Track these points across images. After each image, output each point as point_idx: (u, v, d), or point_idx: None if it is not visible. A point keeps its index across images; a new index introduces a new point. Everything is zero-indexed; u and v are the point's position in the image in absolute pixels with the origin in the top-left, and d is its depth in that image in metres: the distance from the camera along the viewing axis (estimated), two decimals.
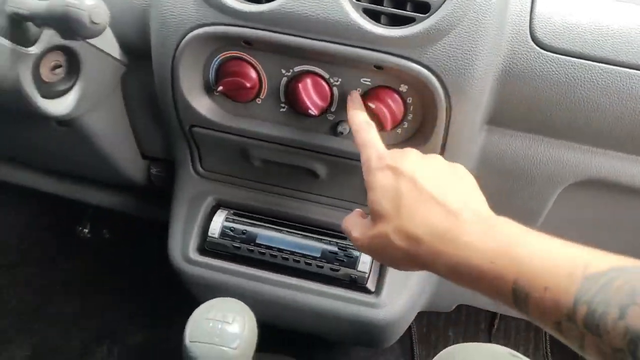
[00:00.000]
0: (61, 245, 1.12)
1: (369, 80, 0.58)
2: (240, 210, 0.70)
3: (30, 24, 0.49)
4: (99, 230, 1.09)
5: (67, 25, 0.43)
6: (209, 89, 0.62)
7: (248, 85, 0.59)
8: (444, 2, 0.52)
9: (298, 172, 0.67)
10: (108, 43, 0.59)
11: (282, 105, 0.61)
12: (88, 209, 1.06)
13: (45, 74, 0.54)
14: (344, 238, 0.68)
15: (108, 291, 1.11)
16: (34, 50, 0.50)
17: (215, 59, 0.60)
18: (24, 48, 0.49)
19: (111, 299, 1.11)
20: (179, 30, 0.57)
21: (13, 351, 1.05)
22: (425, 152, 0.57)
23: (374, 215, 0.46)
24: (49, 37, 0.51)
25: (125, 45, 0.62)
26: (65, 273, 1.11)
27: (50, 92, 0.55)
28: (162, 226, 0.90)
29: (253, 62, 0.59)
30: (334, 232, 0.68)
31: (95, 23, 0.42)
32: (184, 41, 0.57)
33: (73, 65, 0.56)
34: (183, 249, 0.69)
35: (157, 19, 0.58)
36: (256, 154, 0.66)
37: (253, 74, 0.59)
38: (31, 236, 1.15)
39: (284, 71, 0.59)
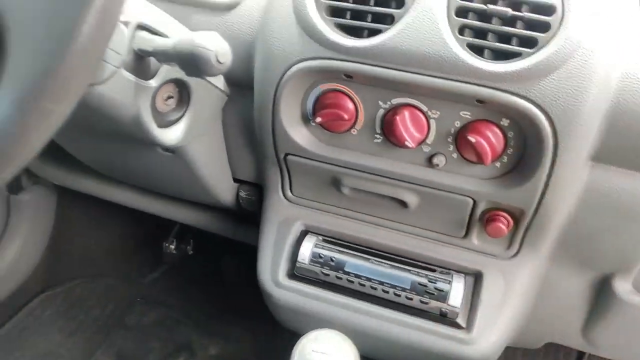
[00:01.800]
0: (145, 260, 1.18)
1: (469, 113, 0.57)
2: (329, 237, 0.71)
3: (152, 59, 0.53)
4: (184, 247, 1.14)
5: (194, 64, 0.46)
6: (306, 119, 0.64)
7: (346, 117, 0.60)
8: (553, 37, 0.51)
9: (388, 201, 0.67)
10: (216, 79, 0.63)
11: (377, 136, 0.62)
12: (174, 226, 1.11)
13: (160, 104, 0.58)
14: (434, 270, 0.67)
15: (187, 305, 1.15)
16: (153, 83, 0.54)
17: (314, 90, 0.61)
18: (144, 81, 0.53)
19: (190, 312, 1.15)
20: (284, 64, 0.59)
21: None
22: (528, 188, 0.56)
23: None
24: (166, 70, 0.55)
25: (229, 77, 0.65)
26: (148, 286, 1.16)
27: (163, 121, 0.59)
28: (244, 246, 0.93)
29: (351, 94, 0.60)
30: (424, 264, 0.68)
31: (220, 63, 0.45)
32: (287, 74, 0.59)
33: (184, 96, 0.60)
34: (273, 272, 0.71)
35: (262, 52, 0.60)
36: (347, 182, 0.67)
37: (350, 106, 0.60)
38: (117, 249, 1.21)
39: (381, 103, 0.60)
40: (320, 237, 0.71)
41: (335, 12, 0.57)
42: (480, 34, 0.53)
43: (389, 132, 0.60)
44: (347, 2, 0.56)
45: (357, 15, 0.56)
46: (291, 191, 0.73)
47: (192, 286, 1.16)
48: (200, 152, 0.69)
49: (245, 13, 0.62)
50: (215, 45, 0.45)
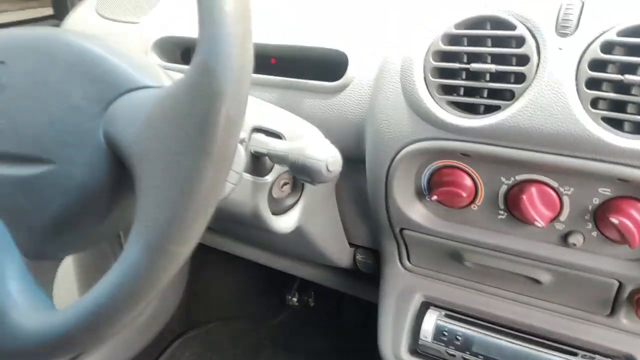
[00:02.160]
0: (270, 308, 1.23)
1: (608, 190, 0.51)
2: (452, 311, 0.68)
3: (266, 158, 0.54)
4: (305, 299, 1.17)
5: (304, 173, 0.46)
6: (421, 195, 0.61)
7: (464, 194, 0.56)
8: None
9: (517, 276, 0.62)
10: None
11: (501, 212, 0.57)
12: (296, 279, 1.14)
13: (276, 192, 0.59)
14: (575, 353, 0.60)
15: (311, 351, 1.17)
16: (269, 178, 0.55)
17: (429, 167, 0.59)
18: (261, 178, 0.55)
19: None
20: (394, 146, 0.57)
21: None
22: None
23: None
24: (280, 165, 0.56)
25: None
26: (275, 330, 1.21)
27: (279, 207, 0.60)
28: (364, 303, 0.92)
29: (469, 171, 0.56)
30: (564, 345, 0.61)
31: (330, 171, 0.45)
32: (398, 156, 0.57)
33: (298, 182, 0.61)
34: (394, 347, 0.69)
35: (372, 133, 0.59)
36: (470, 258, 0.63)
37: (468, 182, 0.57)
38: (245, 296, 1.27)
39: (503, 179, 0.55)
40: (443, 312, 0.68)
41: (447, 88, 0.54)
42: (617, 105, 0.47)
43: (514, 208, 0.55)
44: (460, 79, 0.53)
45: (472, 91, 0.53)
46: (409, 261, 0.70)
47: (315, 334, 1.18)
48: (315, 226, 0.70)
49: (354, 94, 0.62)
50: (325, 155, 0.45)
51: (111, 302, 0.37)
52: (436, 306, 0.69)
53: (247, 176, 0.53)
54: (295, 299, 1.15)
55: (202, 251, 1.21)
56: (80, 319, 0.38)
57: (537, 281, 0.60)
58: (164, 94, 0.37)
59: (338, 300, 1.12)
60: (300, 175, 0.48)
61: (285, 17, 0.71)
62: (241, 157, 0.45)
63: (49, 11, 1.03)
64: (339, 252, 0.80)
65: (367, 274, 0.84)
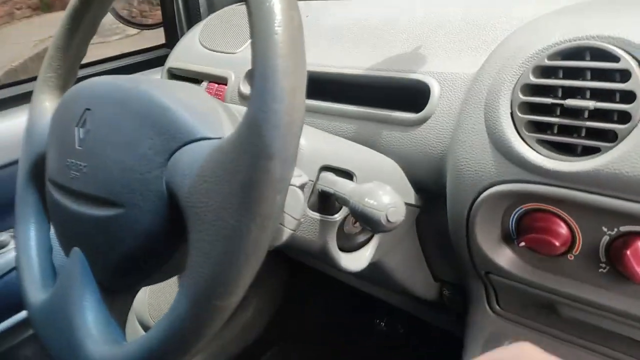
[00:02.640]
0: (359, 331, 1.21)
1: None
2: None
3: None
4: (394, 325, 1.13)
5: (364, 220, 0.44)
6: (509, 239, 0.55)
7: (557, 243, 0.50)
8: None
9: (620, 335, 0.54)
10: (406, 193, 0.60)
11: (602, 265, 0.50)
12: (385, 305, 1.11)
13: (348, 227, 0.57)
14: None
15: None
16: (338, 217, 0.54)
17: (518, 209, 0.53)
18: (330, 217, 0.53)
19: None
20: (476, 187, 0.52)
21: None
22: None
23: None
24: None
25: (420, 188, 0.62)
26: (363, 352, 1.18)
27: (352, 244, 0.58)
28: (454, 336, 0.86)
29: (564, 217, 0.50)
30: None
31: (390, 222, 0.42)
32: (480, 197, 0.52)
33: None
34: None
35: (453, 171, 0.55)
36: (566, 312, 0.55)
37: (563, 230, 0.50)
38: (334, 319, 1.27)
39: (605, 229, 0.48)
40: None
41: (538, 126, 0.49)
42: None
43: (617, 263, 0.48)
44: (554, 115, 0.47)
45: (567, 129, 0.47)
46: (498, 305, 0.64)
47: None
48: (394, 261, 0.67)
49: (435, 127, 0.58)
50: (385, 204, 0.42)
51: (161, 349, 0.38)
52: None
53: (315, 215, 0.52)
54: (383, 324, 1.12)
55: (296, 266, 1.23)
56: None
57: None
58: (217, 148, 0.37)
59: (426, 330, 1.07)
60: (361, 221, 0.46)
61: (366, 43, 0.69)
62: (300, 203, 0.44)
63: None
64: (424, 286, 0.76)
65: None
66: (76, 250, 0.48)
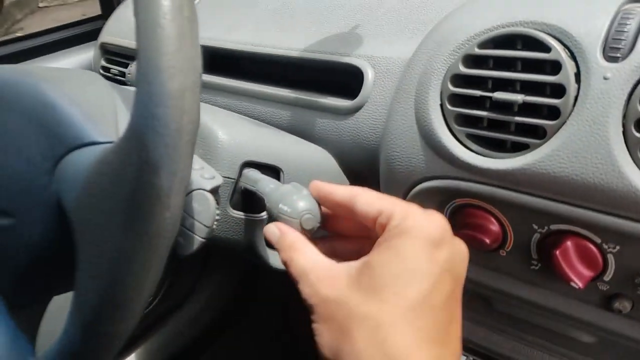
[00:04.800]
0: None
1: None
2: (484, 356, 0.60)
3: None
4: None
5: None
6: None
7: (487, 241, 0.48)
8: None
9: (553, 332, 0.53)
10: (339, 184, 0.57)
11: (534, 262, 0.48)
12: None
13: None
14: None
15: None
16: (265, 215, 0.51)
17: (450, 204, 0.51)
18: (255, 215, 0.50)
19: None
20: (407, 181, 0.50)
21: None
22: None
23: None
24: None
25: (354, 177, 0.59)
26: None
27: None
28: None
29: (496, 213, 0.48)
30: None
31: (305, 229, 0.39)
32: (411, 192, 0.50)
33: None
34: None
35: (385, 164, 0.52)
36: (500, 307, 0.55)
37: (495, 228, 0.48)
38: (288, 305, 1.26)
39: (535, 227, 0.46)
40: (471, 357, 0.60)
41: (467, 119, 0.46)
42: None
43: (548, 261, 0.46)
44: (483, 109, 0.44)
45: (498, 124, 0.44)
46: None
47: None
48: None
49: (368, 117, 0.54)
50: (300, 211, 0.39)
51: None
52: (467, 350, 0.61)
53: (239, 214, 0.49)
54: None
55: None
56: None
57: (579, 340, 0.51)
58: (102, 157, 0.33)
59: None
60: None
61: (303, 20, 0.65)
62: (210, 209, 0.41)
63: None
64: None
65: None
66: None
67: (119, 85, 0.48)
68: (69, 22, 1.00)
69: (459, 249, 0.33)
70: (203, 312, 1.22)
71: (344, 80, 0.58)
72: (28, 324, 0.46)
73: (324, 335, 0.31)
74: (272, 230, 0.38)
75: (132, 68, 0.79)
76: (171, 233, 0.32)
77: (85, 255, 0.33)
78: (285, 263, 0.36)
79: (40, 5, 4.74)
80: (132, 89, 0.49)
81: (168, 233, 0.32)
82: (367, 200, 0.35)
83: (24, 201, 0.38)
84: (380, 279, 0.31)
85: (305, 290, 0.33)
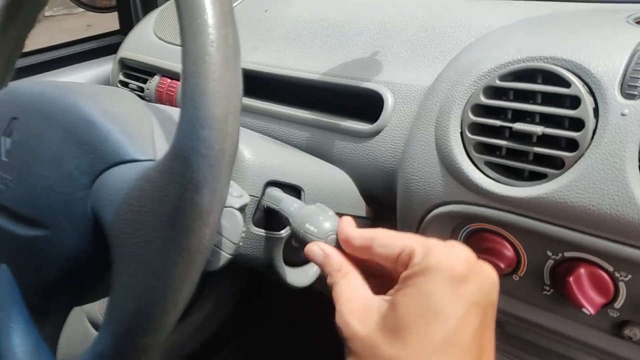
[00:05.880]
0: (316, 326, 1.21)
1: None
2: None
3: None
4: None
5: (303, 246, 0.43)
6: None
7: (502, 265, 0.50)
8: None
9: (563, 356, 0.54)
10: (357, 206, 0.58)
11: (547, 288, 0.50)
12: None
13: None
14: None
15: None
16: (285, 233, 0.52)
17: (466, 228, 0.52)
18: (276, 233, 0.52)
19: None
20: (424, 205, 0.51)
21: None
22: None
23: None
24: None
25: (372, 200, 0.60)
26: (320, 348, 1.19)
27: (300, 257, 0.57)
28: None
29: (511, 239, 0.49)
30: None
31: None
32: (429, 216, 0.51)
33: None
34: None
35: (402, 188, 0.54)
36: (511, 330, 0.56)
37: (509, 252, 0.50)
38: (291, 314, 1.27)
39: (550, 253, 0.48)
40: None
41: (487, 148, 0.48)
42: None
43: (561, 287, 0.48)
44: (503, 138, 0.46)
45: (516, 153, 0.46)
46: None
47: None
48: None
49: (388, 140, 0.56)
50: (326, 231, 0.40)
51: None
52: None
53: (260, 231, 0.50)
54: None
55: None
56: None
57: None
58: (144, 174, 0.34)
59: None
60: (302, 247, 0.44)
61: (323, 44, 0.67)
62: (238, 227, 0.42)
63: None
64: None
65: None
66: (3, 267, 0.45)
67: (152, 104, 0.50)
68: (84, 37, 1.02)
69: (488, 276, 0.32)
70: (207, 321, 1.23)
71: (363, 105, 0.60)
72: (49, 334, 0.46)
73: None
74: (315, 250, 0.39)
75: (150, 84, 0.80)
76: (208, 249, 0.33)
77: (123, 267, 0.34)
78: (330, 285, 0.36)
79: (47, 14, 4.79)
80: (165, 107, 0.51)
81: (206, 249, 0.33)
82: (386, 242, 0.34)
83: (59, 214, 0.39)
84: (404, 319, 0.30)
85: (340, 320, 0.33)
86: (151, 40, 0.86)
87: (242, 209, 0.43)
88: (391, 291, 0.32)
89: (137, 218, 0.34)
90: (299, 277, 0.56)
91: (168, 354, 1.16)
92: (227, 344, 1.29)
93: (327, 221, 0.41)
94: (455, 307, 0.30)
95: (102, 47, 1.00)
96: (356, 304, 0.33)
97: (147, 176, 0.34)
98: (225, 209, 0.42)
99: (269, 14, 0.78)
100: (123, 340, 0.34)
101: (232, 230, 0.42)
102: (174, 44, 0.83)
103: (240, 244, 0.43)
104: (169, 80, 0.78)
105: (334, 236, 0.41)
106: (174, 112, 0.52)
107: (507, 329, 0.56)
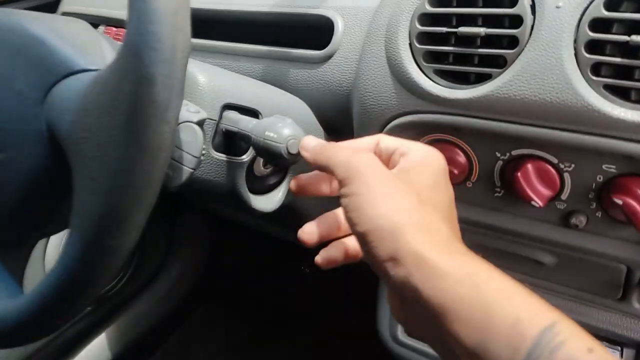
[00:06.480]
0: (286, 280, 1.24)
1: (613, 166, 0.45)
2: None
3: None
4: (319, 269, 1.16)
5: (266, 155, 0.44)
6: None
7: (456, 172, 0.52)
8: None
9: (520, 257, 0.58)
10: (314, 132, 0.59)
11: (498, 189, 0.53)
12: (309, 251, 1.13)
13: (258, 169, 0.57)
14: None
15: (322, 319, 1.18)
16: (246, 158, 0.53)
17: (421, 140, 0.54)
18: (237, 158, 0.52)
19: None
20: (380, 119, 0.53)
21: None
22: None
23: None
24: None
25: (329, 126, 0.62)
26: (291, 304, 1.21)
27: (263, 186, 0.58)
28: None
29: (462, 146, 0.52)
30: None
31: (291, 154, 0.42)
32: (385, 130, 0.53)
33: None
34: (391, 329, 0.66)
35: (358, 106, 0.55)
36: (468, 238, 0.58)
37: (462, 159, 0.52)
38: (261, 271, 1.28)
39: (498, 154, 0.50)
40: None
41: (435, 56, 0.49)
42: (623, 71, 0.41)
43: (510, 185, 0.51)
44: (449, 44, 0.48)
45: (463, 58, 0.48)
46: None
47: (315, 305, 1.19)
48: (308, 202, 0.67)
49: (340, 63, 0.57)
50: (285, 136, 0.41)
51: (56, 296, 0.36)
52: None
53: (221, 156, 0.51)
54: (307, 270, 1.15)
55: (219, 224, 1.22)
56: (29, 310, 0.37)
57: (540, 262, 0.56)
58: (97, 78, 0.34)
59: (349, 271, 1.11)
60: (264, 157, 0.45)
61: None
62: (198, 140, 0.43)
63: None
64: None
65: None
66: None
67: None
68: None
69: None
70: (172, 289, 1.22)
71: (315, 32, 0.60)
72: (14, 266, 0.45)
73: None
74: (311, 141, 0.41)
75: None
76: (169, 147, 0.34)
77: (85, 172, 0.34)
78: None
79: None
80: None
81: (167, 147, 0.33)
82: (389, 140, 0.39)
83: (14, 134, 0.38)
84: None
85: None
86: None
87: (200, 124, 0.43)
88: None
89: (94, 122, 0.33)
90: (265, 202, 0.57)
91: (135, 324, 1.15)
92: (198, 307, 1.29)
93: (287, 127, 0.42)
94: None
95: (43, 4, 0.96)
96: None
97: (100, 79, 0.34)
98: (183, 123, 0.43)
99: None
100: (91, 244, 0.34)
101: (193, 145, 0.43)
102: None
103: (202, 157, 0.43)
104: (115, 29, 0.76)
105: (295, 141, 0.42)
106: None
107: (464, 236, 0.59)
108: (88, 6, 0.81)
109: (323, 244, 0.43)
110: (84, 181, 0.34)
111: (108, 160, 0.33)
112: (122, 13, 0.75)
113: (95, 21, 0.79)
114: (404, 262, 0.30)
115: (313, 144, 0.40)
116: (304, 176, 0.44)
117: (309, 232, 0.42)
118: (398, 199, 0.32)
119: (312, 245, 0.42)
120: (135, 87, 0.31)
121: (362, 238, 0.32)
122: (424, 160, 0.36)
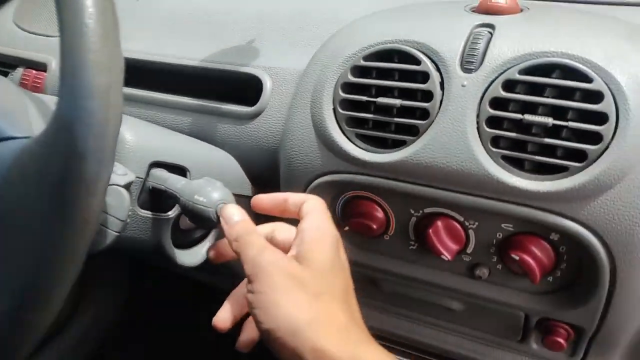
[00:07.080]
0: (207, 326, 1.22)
1: (511, 225, 0.51)
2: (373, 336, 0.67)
3: None
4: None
5: (195, 218, 0.45)
6: (337, 224, 0.60)
7: (374, 226, 0.56)
8: (606, 149, 0.44)
9: (432, 304, 0.62)
10: (241, 185, 0.61)
11: (412, 243, 0.57)
12: None
13: (184, 223, 0.57)
14: None
15: None
16: (172, 214, 0.53)
17: (342, 197, 0.58)
18: (163, 214, 0.52)
19: None
20: (305, 177, 0.56)
21: None
22: (587, 309, 0.49)
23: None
24: None
25: (256, 179, 0.64)
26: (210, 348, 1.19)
27: (188, 239, 0.58)
28: None
29: (380, 202, 0.56)
30: None
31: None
32: (310, 187, 0.56)
33: None
34: None
35: (284, 164, 0.58)
36: (385, 286, 0.62)
37: (379, 214, 0.56)
38: (180, 316, 1.26)
39: (412, 211, 0.55)
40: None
41: (356, 121, 0.53)
42: (518, 144, 0.47)
43: (423, 240, 0.55)
44: (369, 112, 0.52)
45: (382, 124, 0.52)
46: None
47: None
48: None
49: (268, 121, 0.60)
50: (215, 200, 0.43)
51: None
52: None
53: (147, 213, 0.51)
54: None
55: (137, 266, 1.17)
56: None
57: (450, 309, 0.61)
58: (24, 148, 0.34)
59: None
60: (191, 219, 0.46)
61: (202, 33, 0.69)
62: (124, 204, 0.43)
63: None
64: None
65: None
66: None
67: (24, 90, 0.48)
68: None
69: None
70: (85, 338, 1.16)
71: (243, 90, 0.62)
72: None
73: None
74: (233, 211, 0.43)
75: (13, 77, 0.75)
76: (96, 220, 0.34)
77: (9, 244, 0.33)
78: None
79: None
80: (36, 94, 0.49)
81: (93, 219, 0.34)
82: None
83: None
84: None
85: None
86: (12, 31, 0.81)
87: (127, 187, 0.44)
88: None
89: (19, 192, 0.33)
90: (189, 257, 0.57)
91: None
92: (114, 353, 1.23)
93: (216, 191, 0.43)
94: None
95: None
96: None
97: (27, 150, 0.34)
98: (110, 187, 0.43)
99: (142, 3, 0.78)
100: (10, 316, 0.33)
101: (118, 208, 0.43)
102: (37, 34, 0.78)
103: (128, 221, 0.44)
104: (34, 71, 0.74)
105: (224, 205, 0.43)
106: (46, 97, 0.50)
107: (382, 286, 0.62)
108: (6, 46, 0.78)
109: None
110: (7, 252, 0.34)
111: (32, 233, 0.33)
112: (42, 56, 0.74)
113: (15, 62, 0.77)
114: (306, 358, 0.34)
115: (235, 220, 0.42)
116: (221, 242, 0.46)
117: (222, 319, 0.44)
118: (299, 297, 0.36)
119: (228, 330, 0.44)
120: (65, 161, 0.32)
121: (267, 335, 0.36)
122: (320, 237, 0.41)
